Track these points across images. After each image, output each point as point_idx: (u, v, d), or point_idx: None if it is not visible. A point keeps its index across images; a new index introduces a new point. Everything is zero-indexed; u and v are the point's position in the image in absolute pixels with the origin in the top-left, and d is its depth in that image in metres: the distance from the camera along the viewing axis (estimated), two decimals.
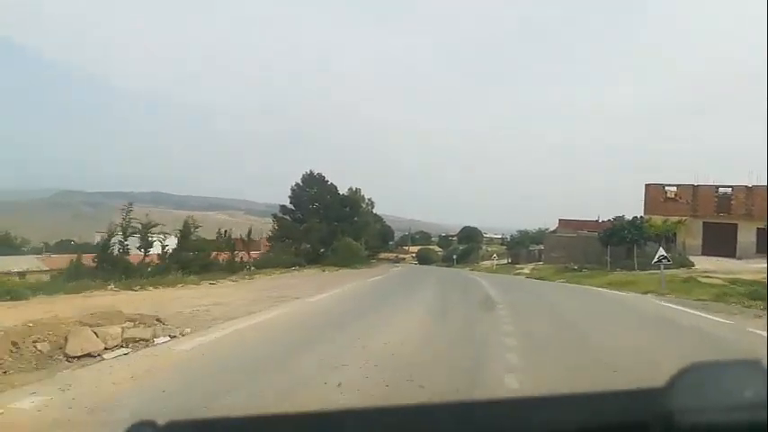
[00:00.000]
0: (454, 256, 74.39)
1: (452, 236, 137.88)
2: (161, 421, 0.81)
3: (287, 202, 68.31)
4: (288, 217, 67.51)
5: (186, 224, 21.80)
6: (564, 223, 69.10)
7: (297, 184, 66.57)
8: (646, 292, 18.21)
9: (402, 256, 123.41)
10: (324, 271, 29.31)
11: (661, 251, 18.66)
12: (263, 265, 27.61)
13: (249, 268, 24.41)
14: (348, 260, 40.12)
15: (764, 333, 9.06)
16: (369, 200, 73.06)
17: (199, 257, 20.16)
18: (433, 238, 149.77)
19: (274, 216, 67.02)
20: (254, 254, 54.22)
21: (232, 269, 20.63)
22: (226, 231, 34.05)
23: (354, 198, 69.47)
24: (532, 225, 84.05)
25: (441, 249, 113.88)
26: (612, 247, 38.59)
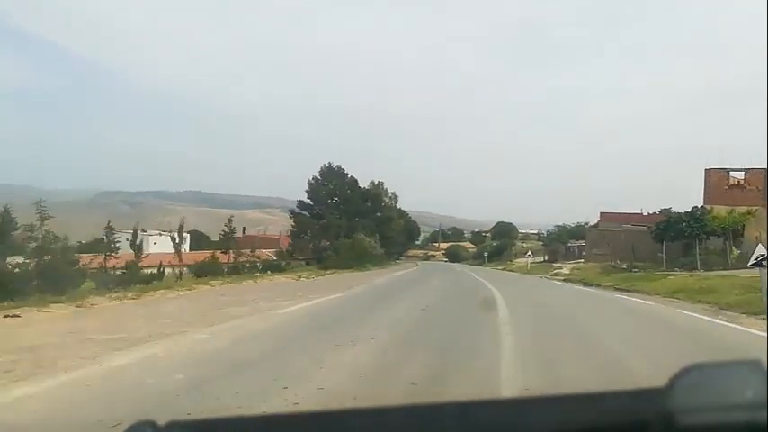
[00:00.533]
0: (485, 254, 68.77)
1: (486, 232, 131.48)
2: (161, 421, 0.81)
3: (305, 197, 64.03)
4: (306, 213, 63.09)
5: None
6: (606, 217, 62.71)
7: (314, 178, 61.98)
8: (755, 313, 11.64)
9: (432, 253, 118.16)
10: (299, 278, 22.77)
11: (761, 249, 12.91)
12: (206, 272, 21.12)
13: (179, 277, 18.96)
14: (359, 260, 34.96)
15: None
16: (392, 194, 67.98)
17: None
18: (465, 235, 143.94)
19: (291, 212, 62.70)
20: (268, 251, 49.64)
21: (122, 280, 14.72)
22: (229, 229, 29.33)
23: (376, 192, 64.51)
24: (571, 220, 77.66)
25: (473, 246, 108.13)
26: (666, 243, 32.65)
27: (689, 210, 33.06)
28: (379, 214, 65.78)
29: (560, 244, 58.04)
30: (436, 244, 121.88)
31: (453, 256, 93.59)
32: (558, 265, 45.13)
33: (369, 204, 63.99)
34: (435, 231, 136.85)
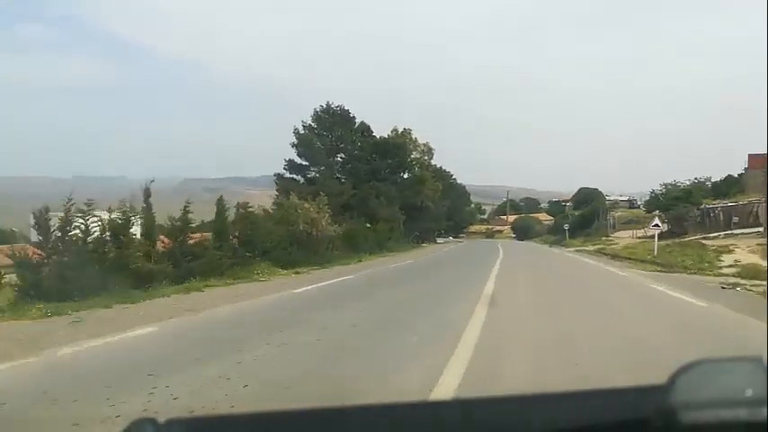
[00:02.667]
0: (566, 227, 46.59)
1: (566, 201, 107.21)
2: (161, 419, 0.82)
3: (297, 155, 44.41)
4: (298, 177, 43.60)
5: None
6: (759, 161, 39.17)
7: (305, 126, 42.14)
8: None
9: (498, 228, 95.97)
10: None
11: None
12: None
13: None
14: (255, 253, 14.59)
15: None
16: (424, 146, 46.82)
17: None
18: (541, 205, 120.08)
19: (277, 177, 43.18)
20: None
21: None
22: None
23: (398, 142, 43.65)
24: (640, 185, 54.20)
25: (550, 218, 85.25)
26: None
27: None
28: (405, 175, 45.05)
29: (692, 207, 35.22)
30: (504, 217, 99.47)
31: (522, 231, 71.56)
32: (715, 243, 22.76)
33: (388, 161, 43.51)
34: (504, 202, 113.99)
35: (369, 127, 43.45)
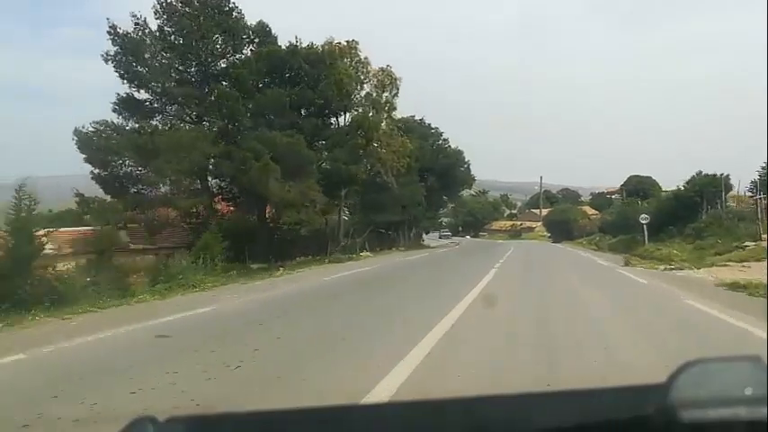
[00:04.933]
0: (644, 220, 24.93)
1: (612, 192, 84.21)
2: (161, 417, 0.79)
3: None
4: (128, 123, 23.60)
5: None
6: None
7: (139, 23, 22.03)
8: None
9: (529, 224, 74.20)
10: None
11: None
12: None
13: None
14: None
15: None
16: (384, 73, 25.51)
17: None
18: (582, 198, 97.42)
19: (96, 126, 23.10)
20: None
21: None
22: None
23: (324, 56, 22.66)
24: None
25: (596, 213, 63.41)
26: None
27: None
28: (334, 122, 24.05)
29: None
30: (536, 211, 77.28)
31: (559, 228, 50.18)
32: None
33: (304, 89, 22.91)
34: (536, 194, 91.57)
35: (269, 30, 22.83)
